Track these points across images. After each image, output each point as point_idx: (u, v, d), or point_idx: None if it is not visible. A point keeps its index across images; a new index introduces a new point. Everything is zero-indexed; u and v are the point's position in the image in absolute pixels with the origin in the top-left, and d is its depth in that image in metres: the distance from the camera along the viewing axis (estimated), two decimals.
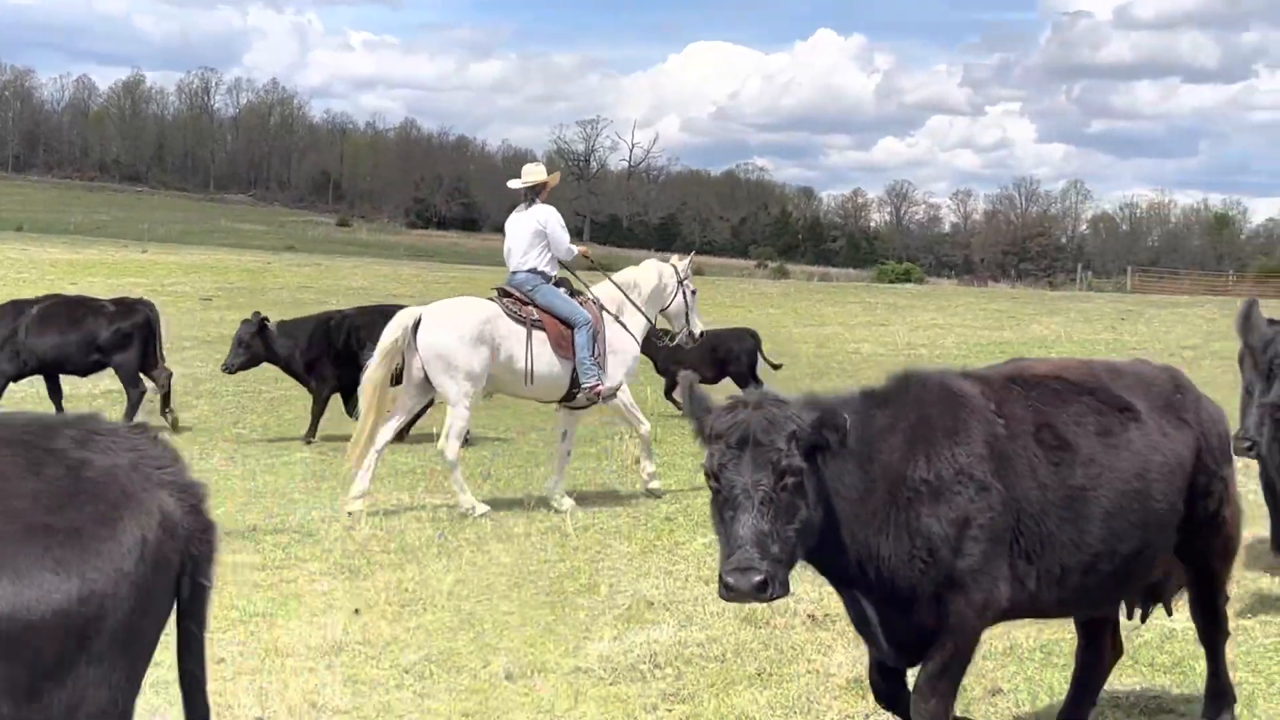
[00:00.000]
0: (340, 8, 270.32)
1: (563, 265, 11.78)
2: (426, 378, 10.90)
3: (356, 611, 7.53)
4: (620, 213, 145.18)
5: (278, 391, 17.74)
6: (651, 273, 12.26)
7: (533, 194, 11.71)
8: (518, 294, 11.32)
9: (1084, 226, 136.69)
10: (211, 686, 3.88)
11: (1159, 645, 7.09)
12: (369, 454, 10.74)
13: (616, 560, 9.00)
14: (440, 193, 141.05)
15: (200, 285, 35.74)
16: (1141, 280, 70.72)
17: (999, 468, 4.76)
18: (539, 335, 11.10)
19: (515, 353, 11.01)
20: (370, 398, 10.93)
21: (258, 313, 15.73)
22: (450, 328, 10.87)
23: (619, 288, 11.93)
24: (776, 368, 17.90)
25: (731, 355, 17.33)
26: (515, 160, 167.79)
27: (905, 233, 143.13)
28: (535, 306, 11.23)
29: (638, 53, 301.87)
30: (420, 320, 10.96)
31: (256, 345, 15.01)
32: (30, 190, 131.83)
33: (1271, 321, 6.76)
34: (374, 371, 10.94)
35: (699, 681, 6.40)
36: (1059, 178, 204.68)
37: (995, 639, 7.08)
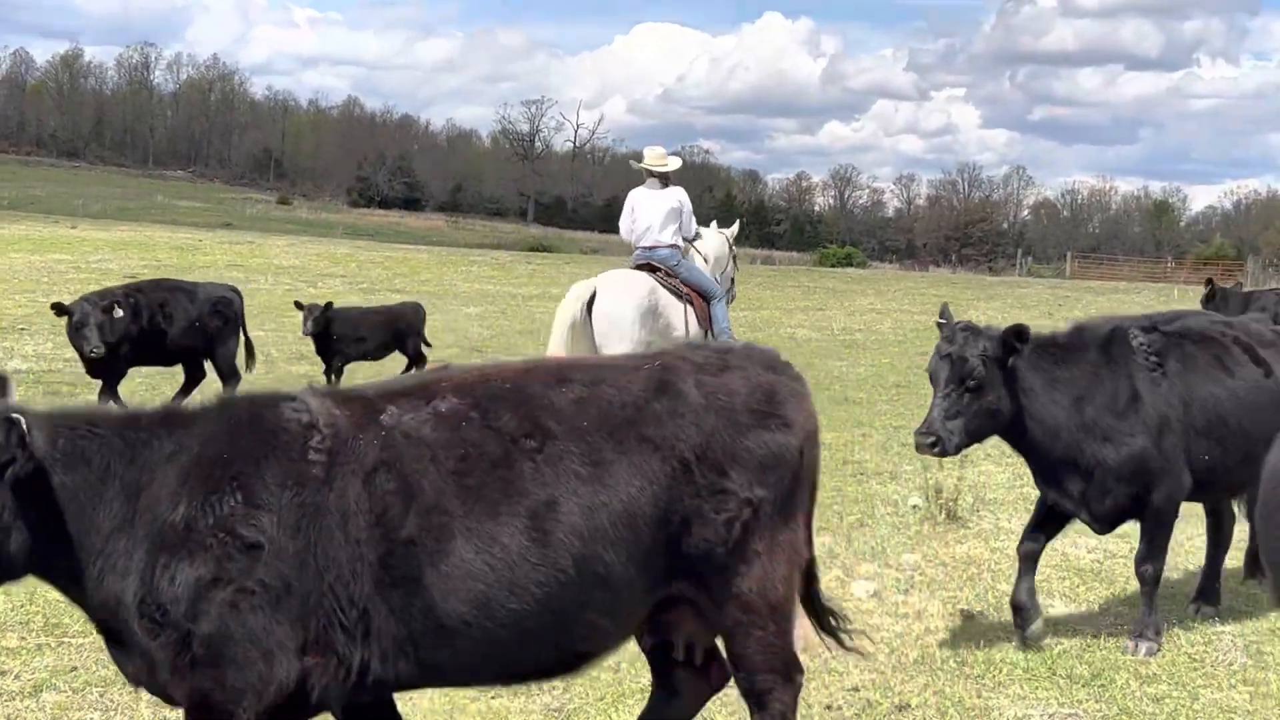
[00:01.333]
0: None
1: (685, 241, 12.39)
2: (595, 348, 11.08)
3: None
4: (565, 194, 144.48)
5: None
6: (719, 241, 13.24)
7: (665, 176, 12.28)
8: (664, 268, 11.78)
9: (1026, 213, 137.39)
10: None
11: (1078, 655, 6.74)
12: None
13: None
14: (383, 172, 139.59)
15: (127, 263, 34.84)
16: (1081, 266, 70.88)
17: None
18: (689, 308, 11.72)
19: (675, 323, 11.49)
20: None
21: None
22: (626, 299, 11.21)
23: (702, 257, 12.59)
24: (429, 346, 17.40)
25: (411, 329, 16.88)
26: (459, 140, 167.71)
27: (849, 217, 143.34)
28: (678, 280, 11.78)
29: (584, 33, 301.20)
30: (596, 293, 11.26)
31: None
32: None
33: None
34: (556, 347, 11.16)
35: (587, 695, 5.97)
36: (1002, 163, 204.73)
37: (908, 648, 6.72)
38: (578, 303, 11.26)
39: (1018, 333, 6.56)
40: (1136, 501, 6.83)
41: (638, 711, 5.68)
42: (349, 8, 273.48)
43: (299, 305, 16.24)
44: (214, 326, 14.44)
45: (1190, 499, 7.23)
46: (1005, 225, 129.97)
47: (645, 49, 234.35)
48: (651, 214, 12.06)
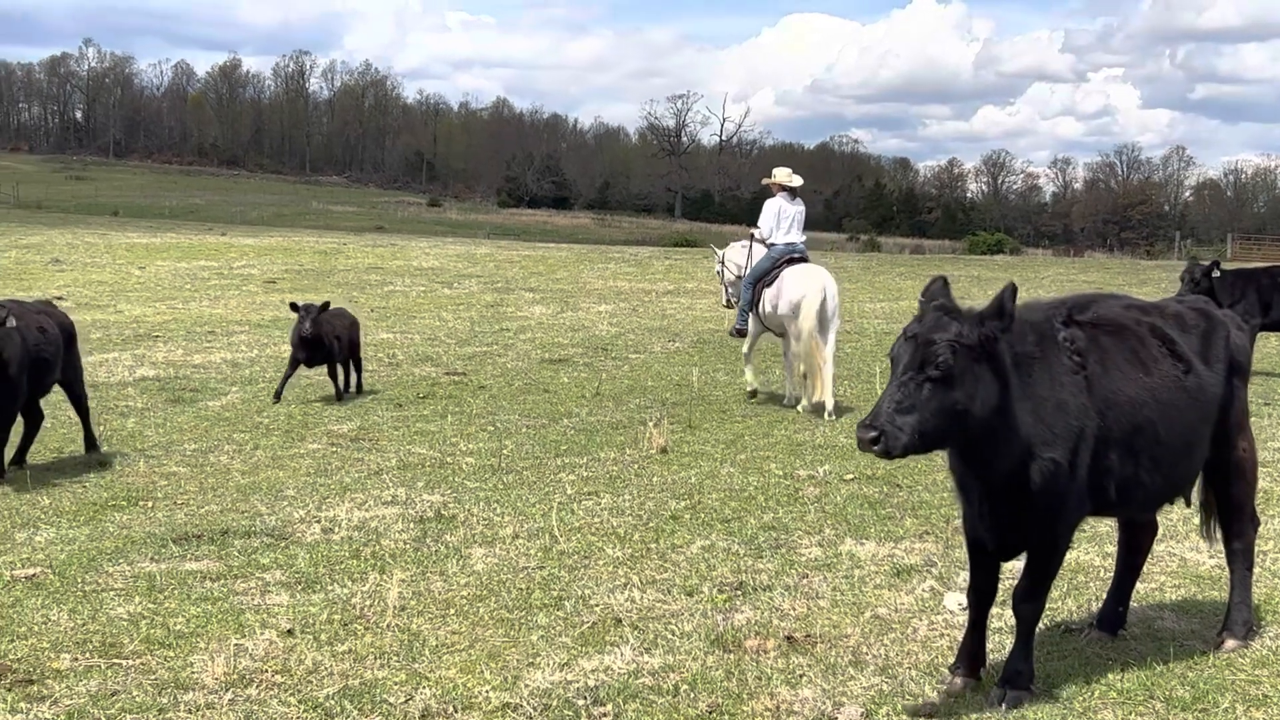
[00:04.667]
0: None
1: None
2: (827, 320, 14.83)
3: (289, 632, 6.84)
4: (712, 188, 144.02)
5: (315, 377, 17.19)
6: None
7: (794, 190, 15.71)
8: (804, 259, 15.57)
9: (1188, 194, 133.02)
10: None
11: (1181, 675, 6.18)
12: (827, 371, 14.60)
13: (600, 567, 8.22)
14: (532, 171, 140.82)
15: (270, 268, 35.48)
16: (1243, 247, 68.26)
17: None
18: None
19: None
20: (813, 346, 14.56)
21: None
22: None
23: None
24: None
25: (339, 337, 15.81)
26: (607, 138, 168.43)
27: (1003, 203, 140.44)
28: None
29: (732, 26, 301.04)
30: (827, 280, 14.90)
31: None
32: (129, 176, 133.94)
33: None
34: (812, 326, 14.57)
35: None
36: (1163, 144, 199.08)
37: (994, 666, 6.25)
38: (823, 289, 14.74)
39: (999, 308, 5.49)
40: (1040, 524, 5.86)
41: None
42: (501, 10, 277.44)
43: (294, 307, 15.51)
44: None
45: (1101, 515, 6.55)
46: (1166, 208, 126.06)
47: (794, 40, 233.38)
48: (793, 220, 15.55)
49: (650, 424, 12.85)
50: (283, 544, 8.79)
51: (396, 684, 6.12)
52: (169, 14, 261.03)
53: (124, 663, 6.33)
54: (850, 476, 11.02)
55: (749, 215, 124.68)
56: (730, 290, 16.31)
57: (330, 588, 7.72)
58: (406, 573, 8.03)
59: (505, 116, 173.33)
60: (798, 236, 15.53)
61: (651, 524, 9.38)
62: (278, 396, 15.31)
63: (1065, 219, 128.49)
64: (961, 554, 8.12)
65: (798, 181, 15.74)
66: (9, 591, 7.56)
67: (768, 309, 15.24)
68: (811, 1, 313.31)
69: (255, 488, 10.74)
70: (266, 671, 6.24)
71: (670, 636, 6.77)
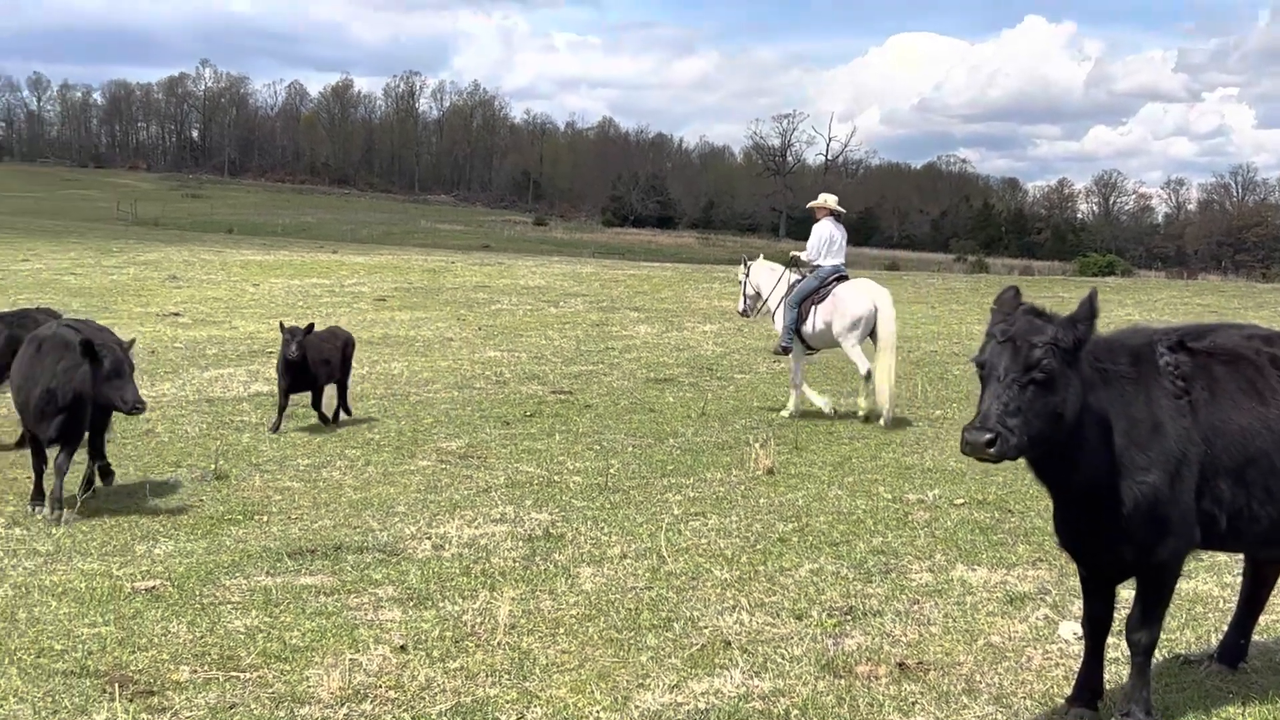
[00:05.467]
0: (545, 10, 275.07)
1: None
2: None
3: (402, 648, 6.92)
4: None
5: (423, 394, 17.40)
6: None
7: (838, 213, 16.64)
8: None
9: None
10: None
11: None
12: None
13: (708, 589, 8.22)
14: (636, 191, 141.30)
15: (380, 285, 35.92)
16: None
17: None
18: None
19: None
20: (891, 350, 15.61)
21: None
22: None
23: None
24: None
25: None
26: (712, 157, 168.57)
27: (1114, 224, 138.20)
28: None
29: (839, 46, 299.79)
30: (879, 295, 15.77)
31: None
32: (243, 194, 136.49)
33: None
34: (859, 336, 15.71)
35: None
36: None
37: (1108, 700, 6.13)
38: (873, 302, 15.65)
39: (1089, 309, 5.43)
40: (1140, 548, 5.75)
41: None
42: (608, 31, 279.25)
43: (282, 327, 15.00)
44: None
45: (1217, 548, 6.34)
46: None
47: (901, 59, 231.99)
48: (838, 243, 16.34)
49: (756, 445, 12.81)
50: (394, 560, 8.90)
51: (508, 702, 6.16)
52: (283, 35, 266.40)
53: (241, 676, 6.44)
54: (961, 501, 10.90)
55: (854, 234, 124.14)
56: (750, 302, 17.03)
57: (441, 604, 7.80)
58: (516, 590, 8.09)
59: (611, 136, 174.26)
60: (841, 259, 16.30)
61: (759, 546, 9.35)
62: (275, 428, 14.67)
63: (1178, 241, 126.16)
64: (1076, 582, 7.99)
65: (840, 207, 16.71)
66: (129, 603, 7.74)
67: (819, 326, 15.94)
68: (919, 21, 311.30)
69: (367, 503, 10.89)
70: (380, 687, 6.32)
71: (780, 660, 6.74)
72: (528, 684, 6.40)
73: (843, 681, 6.43)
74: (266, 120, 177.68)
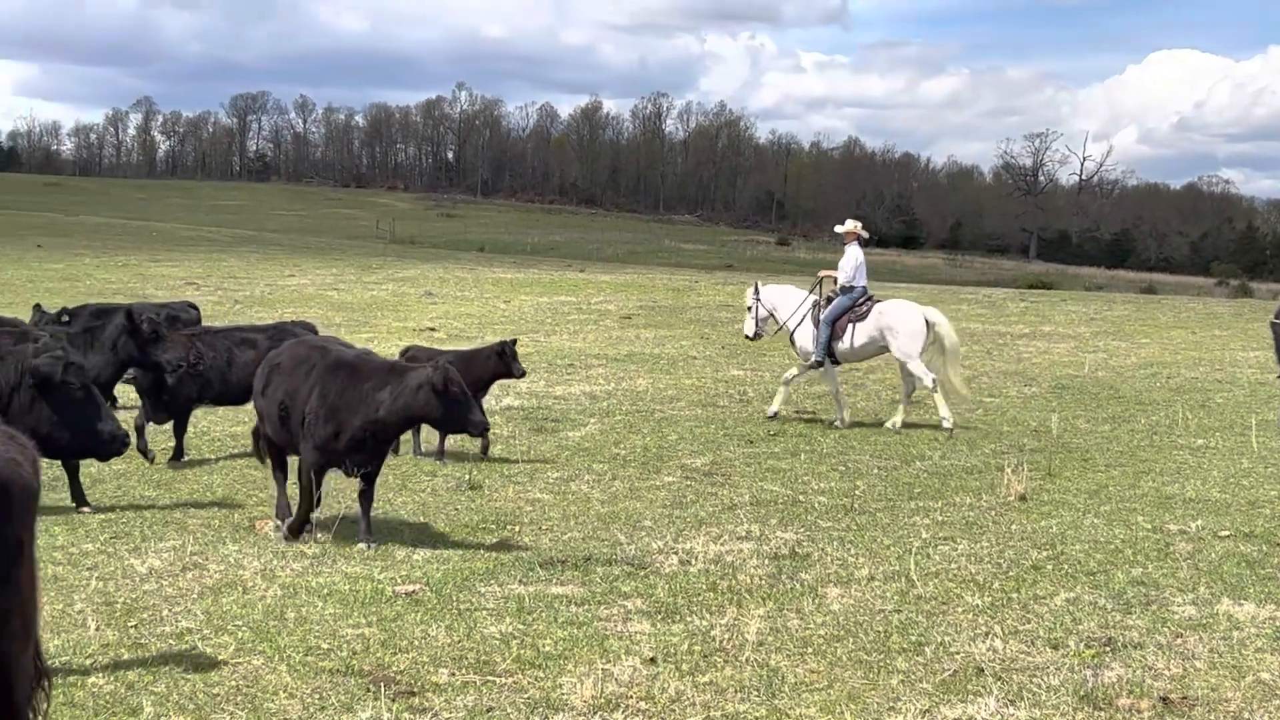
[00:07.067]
0: (793, 30, 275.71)
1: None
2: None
3: (652, 660, 6.99)
4: (1070, 228, 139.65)
5: (668, 411, 17.57)
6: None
7: (862, 238, 17.46)
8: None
9: None
10: None
11: None
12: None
13: (959, 614, 8.07)
14: (881, 210, 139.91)
15: (625, 303, 36.43)
16: None
17: None
18: None
19: None
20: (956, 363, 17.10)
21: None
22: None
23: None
24: None
25: None
26: (960, 177, 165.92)
27: None
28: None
29: (1095, 64, 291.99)
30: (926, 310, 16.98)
31: None
32: (495, 213, 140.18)
33: None
34: (917, 350, 16.65)
35: None
36: None
37: None
38: (924, 318, 16.75)
39: None
40: None
41: None
42: (855, 50, 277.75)
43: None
44: None
45: None
46: None
47: (1160, 77, 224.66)
48: (865, 266, 17.27)
49: (1008, 470, 12.52)
50: (642, 573, 9.01)
51: (757, 719, 6.16)
52: (537, 59, 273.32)
53: (497, 680, 6.61)
54: (1225, 533, 10.46)
55: (1109, 257, 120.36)
56: (761, 325, 17.80)
57: (689, 618, 7.85)
58: (763, 608, 8.09)
59: (856, 155, 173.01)
60: (865, 280, 17.31)
61: (1012, 573, 9.14)
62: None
63: None
64: None
65: (864, 232, 17.66)
66: (391, 605, 8.02)
67: (860, 341, 16.98)
68: (1180, 38, 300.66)
69: (614, 517, 11.04)
70: (631, 697, 6.40)
71: (1036, 690, 6.58)
72: (777, 701, 6.39)
73: (1103, 714, 6.24)
74: (518, 141, 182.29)
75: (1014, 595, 8.53)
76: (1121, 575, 9.08)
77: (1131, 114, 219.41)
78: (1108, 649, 7.32)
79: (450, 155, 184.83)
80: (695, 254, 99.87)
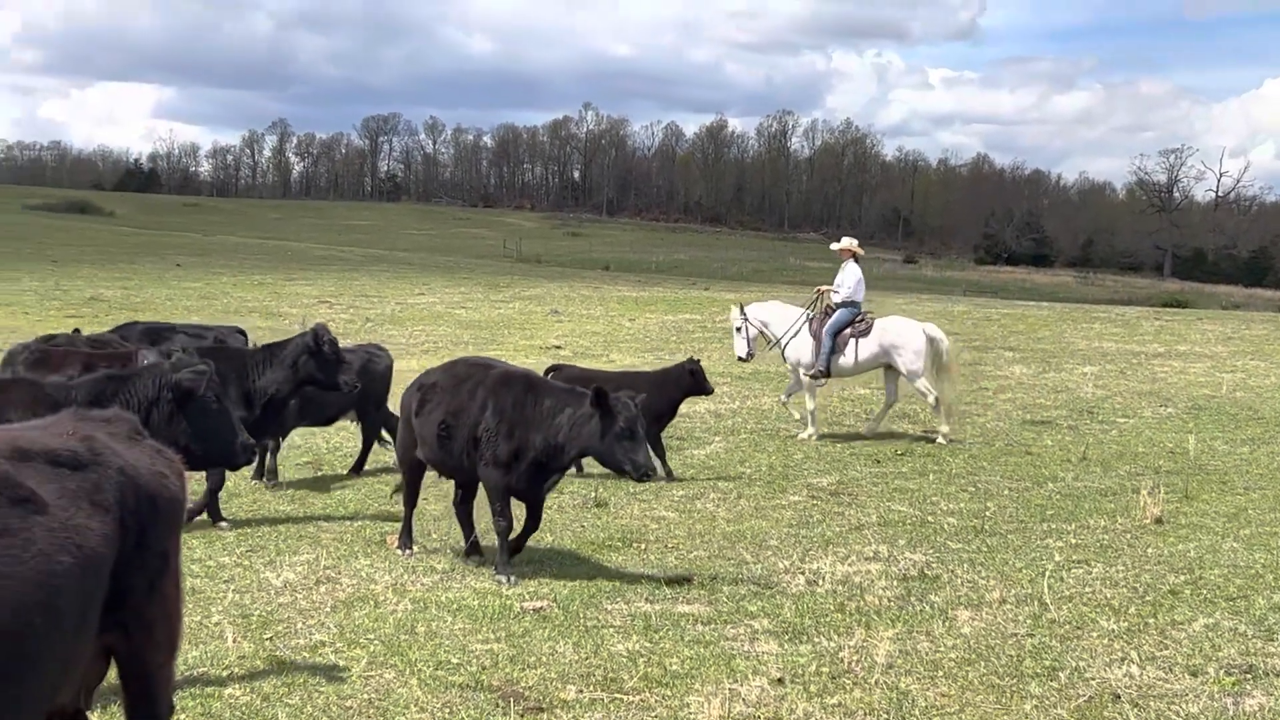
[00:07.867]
0: (920, 47, 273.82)
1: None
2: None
3: (780, 680, 6.95)
4: (1205, 246, 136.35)
5: (793, 429, 17.48)
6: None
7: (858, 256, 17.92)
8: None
9: None
10: None
11: None
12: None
13: (1095, 639, 7.90)
14: (1011, 228, 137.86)
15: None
16: None
17: None
18: None
19: None
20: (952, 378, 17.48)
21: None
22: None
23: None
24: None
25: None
26: (1091, 194, 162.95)
27: None
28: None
29: (1232, 78, 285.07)
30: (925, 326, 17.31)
31: None
32: (619, 232, 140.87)
33: None
34: (922, 365, 16.93)
35: None
36: None
37: None
38: (924, 334, 17.10)
39: None
40: None
41: None
42: (985, 66, 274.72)
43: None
44: None
45: None
46: None
47: None
48: (862, 280, 17.63)
49: (1143, 492, 12.25)
50: (768, 593, 8.97)
51: None
52: (662, 78, 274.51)
53: (625, 698, 6.63)
54: None
55: (1246, 275, 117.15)
56: (753, 344, 18.03)
57: (817, 639, 7.80)
58: (892, 630, 8.01)
59: (985, 173, 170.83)
60: (863, 295, 17.71)
61: (1148, 597, 8.94)
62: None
63: None
64: None
65: (860, 249, 18.18)
66: (519, 622, 8.08)
67: (862, 356, 17.30)
68: None
69: (740, 536, 11.01)
70: (759, 718, 6.38)
71: (1174, 717, 6.43)
72: None
73: None
74: (643, 160, 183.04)
75: (1151, 620, 8.34)
76: (1262, 601, 8.84)
77: (1269, 129, 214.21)
78: (1248, 676, 7.12)
79: (576, 174, 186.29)
80: (820, 272, 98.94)
